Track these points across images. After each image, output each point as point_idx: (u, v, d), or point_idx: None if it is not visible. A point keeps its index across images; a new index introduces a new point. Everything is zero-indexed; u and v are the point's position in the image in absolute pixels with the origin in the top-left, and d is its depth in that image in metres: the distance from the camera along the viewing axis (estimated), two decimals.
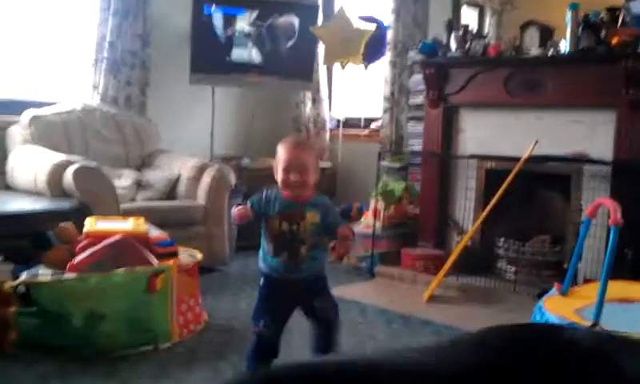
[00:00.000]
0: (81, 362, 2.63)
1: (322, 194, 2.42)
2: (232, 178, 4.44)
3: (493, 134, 4.33)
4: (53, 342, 2.72)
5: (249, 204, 2.33)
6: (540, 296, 3.09)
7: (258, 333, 2.32)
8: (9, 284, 2.78)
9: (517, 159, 3.86)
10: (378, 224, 4.59)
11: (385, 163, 5.01)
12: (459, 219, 4.53)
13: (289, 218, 2.29)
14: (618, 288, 2.82)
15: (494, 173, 4.24)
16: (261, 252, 2.38)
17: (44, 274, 2.84)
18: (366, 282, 4.26)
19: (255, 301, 2.38)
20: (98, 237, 3.01)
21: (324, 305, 2.38)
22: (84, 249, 2.95)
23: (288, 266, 2.31)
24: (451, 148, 4.58)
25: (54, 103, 4.41)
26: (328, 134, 5.74)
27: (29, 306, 2.73)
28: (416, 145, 4.86)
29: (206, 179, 4.28)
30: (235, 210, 2.30)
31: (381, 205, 4.65)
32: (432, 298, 3.74)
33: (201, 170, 4.33)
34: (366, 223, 4.65)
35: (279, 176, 2.29)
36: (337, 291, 3.73)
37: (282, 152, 2.29)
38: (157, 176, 4.35)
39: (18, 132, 4.12)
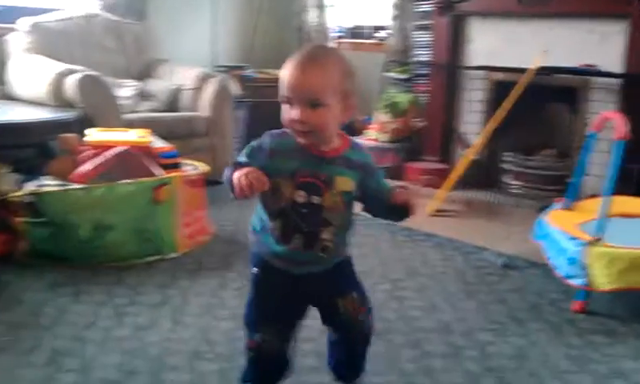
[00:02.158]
0: (89, 271, 2.68)
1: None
2: (235, 89, 4.39)
3: (501, 44, 4.25)
4: (62, 252, 2.76)
5: (243, 158, 1.55)
6: (542, 210, 3.11)
7: (254, 347, 1.66)
8: (16, 194, 2.79)
9: (525, 71, 3.80)
10: (383, 137, 4.57)
11: (390, 74, 4.94)
12: (465, 133, 4.50)
13: (307, 183, 1.51)
14: (622, 203, 2.83)
15: (501, 85, 4.18)
16: (255, 220, 1.63)
17: (49, 184, 2.85)
18: None
19: (246, 299, 1.69)
20: (100, 148, 3.00)
21: (351, 302, 1.66)
22: (87, 160, 2.95)
23: (301, 257, 1.57)
24: (459, 59, 4.50)
25: (51, 10, 4.31)
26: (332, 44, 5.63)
27: (37, 216, 2.74)
28: (423, 55, 4.78)
29: (209, 90, 4.22)
30: (237, 175, 1.45)
31: (386, 117, 4.61)
32: (436, 212, 3.76)
33: (203, 81, 4.27)
34: (370, 136, 4.63)
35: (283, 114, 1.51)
36: None
37: (284, 73, 1.48)
38: (158, 86, 4.29)
39: (16, 40, 4.04)
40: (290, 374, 1.72)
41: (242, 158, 1.54)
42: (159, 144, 3.24)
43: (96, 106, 3.53)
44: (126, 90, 4.07)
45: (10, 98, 3.92)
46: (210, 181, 3.27)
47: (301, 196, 1.51)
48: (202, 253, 2.98)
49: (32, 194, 2.77)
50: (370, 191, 1.58)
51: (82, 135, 3.13)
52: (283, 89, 1.47)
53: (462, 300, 2.56)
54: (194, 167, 3.27)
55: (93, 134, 3.14)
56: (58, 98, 3.59)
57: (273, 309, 1.63)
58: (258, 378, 1.69)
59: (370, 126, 4.72)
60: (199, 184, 3.19)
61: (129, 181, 2.82)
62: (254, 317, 1.65)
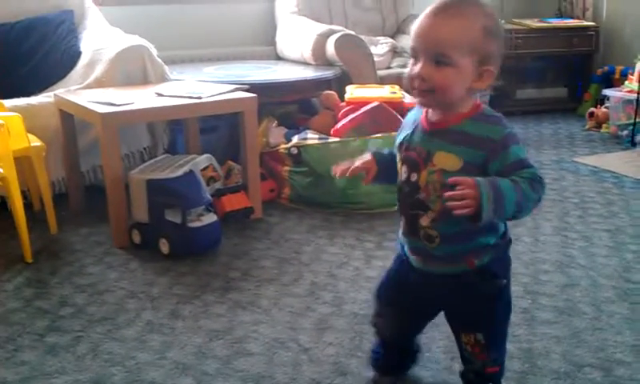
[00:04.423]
0: (343, 217, 2.95)
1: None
2: None
3: None
4: (320, 199, 3.07)
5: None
6: None
7: (372, 320, 1.63)
8: (282, 146, 3.15)
9: None
10: None
11: None
12: None
13: (409, 157, 1.34)
14: None
15: None
16: None
17: (311, 137, 3.16)
18: (626, 151, 4.01)
19: None
20: (357, 103, 3.25)
21: (473, 343, 1.40)
22: (345, 115, 3.21)
23: (411, 245, 1.39)
24: None
25: None
26: None
27: (300, 166, 3.08)
28: None
29: None
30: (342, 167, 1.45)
31: None
32: None
33: None
34: (629, 88, 4.32)
35: None
36: (591, 160, 3.64)
37: (416, 21, 1.30)
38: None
39: (285, 3, 4.44)
40: (410, 364, 1.66)
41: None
42: (409, 99, 3.39)
43: (353, 64, 3.79)
44: (380, 47, 4.29)
45: (278, 57, 4.35)
46: None
47: (404, 172, 1.34)
48: None
49: (296, 146, 3.10)
50: (490, 173, 1.23)
51: (342, 92, 3.41)
52: (410, 38, 1.29)
53: None
54: None
55: (351, 91, 3.40)
56: (320, 58, 3.91)
57: (394, 292, 1.51)
58: (379, 356, 1.64)
59: (630, 78, 4.39)
60: None
61: (380, 134, 3.03)
62: (379, 285, 1.56)
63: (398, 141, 1.39)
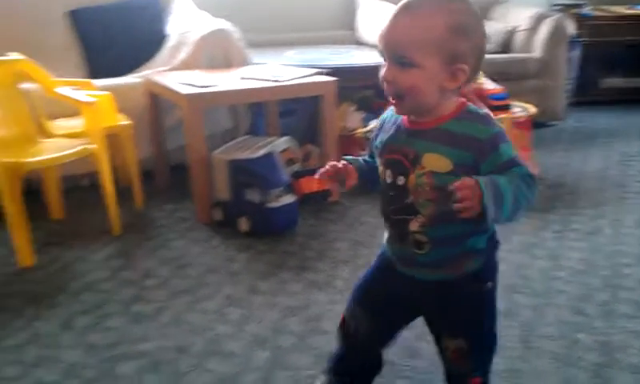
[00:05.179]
0: None
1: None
2: (570, 29, 4.25)
3: None
4: None
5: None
6: None
7: (342, 317, 1.47)
8: (360, 130, 3.18)
9: None
10: None
11: None
12: None
13: (393, 160, 1.24)
14: None
15: None
16: None
17: None
18: None
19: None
20: None
21: (454, 350, 1.31)
22: None
23: (398, 252, 1.31)
24: None
25: None
26: None
27: None
28: None
29: (544, 30, 4.16)
30: (325, 168, 1.31)
31: None
32: None
33: (538, 21, 4.22)
34: None
35: None
36: None
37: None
38: (492, 28, 4.36)
39: None
40: (376, 372, 1.51)
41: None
42: (490, 85, 3.35)
43: None
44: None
45: (358, 42, 4.37)
46: (538, 123, 3.29)
47: (388, 176, 1.25)
48: None
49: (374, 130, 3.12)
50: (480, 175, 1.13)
51: None
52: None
53: None
54: (522, 109, 3.32)
55: None
56: None
57: (373, 289, 1.40)
58: (338, 357, 1.50)
59: None
60: (527, 126, 3.23)
61: None
62: (357, 283, 1.44)
63: (376, 143, 1.29)
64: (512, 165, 1.15)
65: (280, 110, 3.32)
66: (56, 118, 2.85)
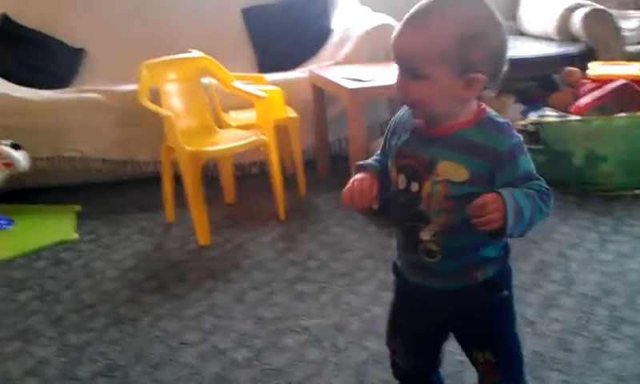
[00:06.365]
0: (578, 197, 2.89)
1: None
2: None
3: None
4: (555, 177, 3.01)
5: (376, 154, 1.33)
6: None
7: (390, 357, 1.45)
8: (520, 122, 3.16)
9: None
10: None
11: None
12: None
13: (407, 166, 1.20)
14: None
15: None
16: None
17: (550, 114, 3.13)
18: None
19: None
20: (601, 81, 3.14)
21: (484, 362, 1.28)
22: (587, 92, 3.12)
23: (409, 260, 1.27)
24: None
25: None
26: None
27: (536, 143, 3.07)
28: None
29: None
30: (350, 185, 1.25)
31: None
32: None
33: None
34: None
35: None
36: None
37: None
38: None
39: None
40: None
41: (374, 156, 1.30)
42: None
43: (600, 40, 3.64)
44: (630, 21, 4.04)
45: (520, 32, 4.30)
46: None
47: (401, 181, 1.20)
48: None
49: (534, 123, 3.09)
50: (497, 186, 1.10)
51: (585, 68, 3.31)
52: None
53: None
54: None
55: (595, 68, 3.28)
56: (564, 33, 3.80)
57: (401, 324, 1.36)
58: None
59: None
60: None
61: (625, 114, 2.90)
62: (388, 327, 1.40)
63: (393, 148, 1.24)
64: (529, 178, 1.13)
65: None
66: (229, 110, 3.12)
